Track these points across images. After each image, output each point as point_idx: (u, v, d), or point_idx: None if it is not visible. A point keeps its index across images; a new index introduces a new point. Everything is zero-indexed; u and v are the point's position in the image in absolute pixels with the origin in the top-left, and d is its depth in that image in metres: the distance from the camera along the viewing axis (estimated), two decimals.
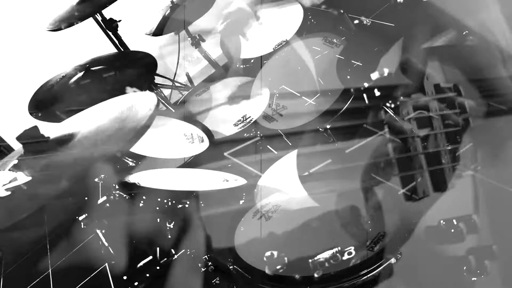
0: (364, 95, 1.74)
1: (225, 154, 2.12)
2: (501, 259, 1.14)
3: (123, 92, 1.97)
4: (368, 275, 1.27)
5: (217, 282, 1.64)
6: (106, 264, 1.58)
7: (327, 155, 1.93)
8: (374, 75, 1.69)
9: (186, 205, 1.75)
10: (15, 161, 1.32)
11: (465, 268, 1.25)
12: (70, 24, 2.10)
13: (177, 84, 2.69)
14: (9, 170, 1.29)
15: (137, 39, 2.54)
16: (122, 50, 2.48)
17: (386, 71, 1.65)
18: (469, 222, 1.19)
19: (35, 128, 1.31)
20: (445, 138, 1.21)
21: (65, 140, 1.31)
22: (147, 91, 1.72)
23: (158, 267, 1.62)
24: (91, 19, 2.31)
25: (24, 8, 2.80)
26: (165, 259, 1.63)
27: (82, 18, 2.10)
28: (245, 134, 2.05)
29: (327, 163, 1.93)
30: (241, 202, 1.74)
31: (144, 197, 1.71)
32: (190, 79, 2.71)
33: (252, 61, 2.34)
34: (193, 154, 1.82)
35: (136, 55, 2.40)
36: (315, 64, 2.03)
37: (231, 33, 2.35)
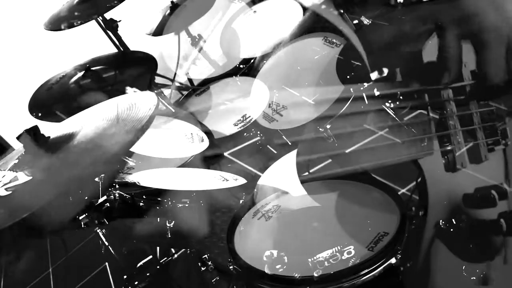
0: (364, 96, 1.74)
1: (225, 154, 2.12)
2: None
3: (123, 92, 1.97)
4: (368, 275, 1.27)
5: (217, 281, 1.64)
6: (107, 264, 1.58)
7: (327, 155, 1.94)
8: (374, 75, 1.69)
9: (186, 205, 1.75)
10: (15, 161, 1.32)
11: (464, 267, 1.29)
12: (70, 25, 2.10)
13: (177, 84, 2.69)
14: (10, 169, 1.29)
15: (137, 39, 2.54)
16: (122, 50, 2.48)
17: (385, 71, 1.65)
18: (501, 189, 1.33)
19: (35, 128, 1.31)
20: (480, 117, 1.35)
21: (65, 140, 1.31)
22: (147, 91, 1.72)
23: (158, 267, 1.62)
24: None
25: (24, 7, 2.80)
26: (165, 258, 1.63)
27: (84, 20, 2.10)
28: (245, 134, 2.05)
29: (327, 163, 1.94)
30: (241, 202, 1.74)
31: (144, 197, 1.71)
32: (190, 79, 2.71)
33: (252, 61, 2.34)
34: (193, 154, 1.82)
35: (136, 55, 2.40)
36: (315, 64, 2.03)
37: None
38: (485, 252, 1.29)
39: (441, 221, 1.33)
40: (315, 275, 1.28)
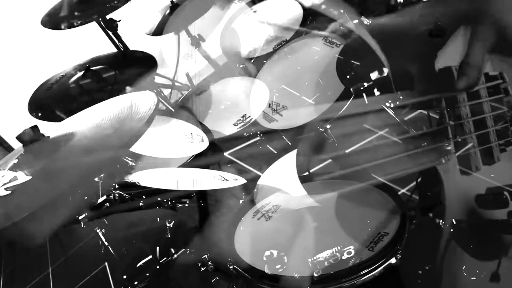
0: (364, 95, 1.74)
1: (225, 154, 2.12)
2: None
3: (123, 92, 1.97)
4: (368, 275, 1.27)
5: (217, 281, 1.64)
6: (106, 264, 1.58)
7: (327, 155, 1.94)
8: (374, 75, 1.69)
9: (186, 205, 1.75)
10: (15, 161, 1.32)
11: (464, 268, 1.29)
12: (71, 25, 2.10)
13: (177, 84, 2.68)
14: (9, 169, 1.29)
15: (137, 39, 2.54)
16: (122, 50, 2.48)
17: (386, 71, 1.65)
18: None
19: (35, 127, 1.31)
20: (493, 120, 1.36)
21: (65, 140, 1.31)
22: (147, 91, 1.72)
23: (158, 267, 1.62)
24: None
25: (24, 7, 2.80)
26: (165, 258, 1.63)
27: (83, 20, 2.10)
28: (244, 134, 2.05)
29: (327, 163, 1.94)
30: (241, 202, 1.74)
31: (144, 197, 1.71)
32: (190, 79, 2.71)
33: (252, 60, 2.34)
34: (193, 154, 1.82)
35: (136, 55, 2.40)
36: (315, 64, 2.03)
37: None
38: (490, 252, 1.30)
39: (440, 221, 1.34)
40: (315, 275, 1.28)
